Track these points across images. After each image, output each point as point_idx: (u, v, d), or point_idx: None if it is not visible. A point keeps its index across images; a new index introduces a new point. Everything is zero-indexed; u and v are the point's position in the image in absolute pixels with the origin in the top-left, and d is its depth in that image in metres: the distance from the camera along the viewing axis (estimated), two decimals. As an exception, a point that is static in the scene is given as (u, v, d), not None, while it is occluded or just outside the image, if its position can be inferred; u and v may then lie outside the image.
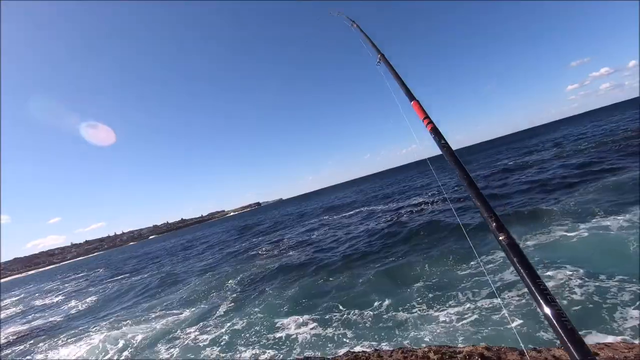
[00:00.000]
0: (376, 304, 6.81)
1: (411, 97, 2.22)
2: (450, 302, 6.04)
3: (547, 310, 0.94)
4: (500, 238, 1.12)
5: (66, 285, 30.56)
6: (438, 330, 5.28)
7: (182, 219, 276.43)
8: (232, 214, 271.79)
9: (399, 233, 12.14)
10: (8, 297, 34.70)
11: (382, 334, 5.67)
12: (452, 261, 7.89)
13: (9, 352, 10.57)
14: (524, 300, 5.35)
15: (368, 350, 3.52)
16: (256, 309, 8.20)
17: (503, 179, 17.95)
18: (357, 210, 24.29)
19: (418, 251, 9.50)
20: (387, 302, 6.71)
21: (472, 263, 7.50)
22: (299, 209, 48.21)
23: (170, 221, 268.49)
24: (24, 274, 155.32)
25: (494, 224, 1.17)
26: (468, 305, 5.75)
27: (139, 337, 8.13)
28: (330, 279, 9.28)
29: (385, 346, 5.24)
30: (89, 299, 17.67)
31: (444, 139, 1.71)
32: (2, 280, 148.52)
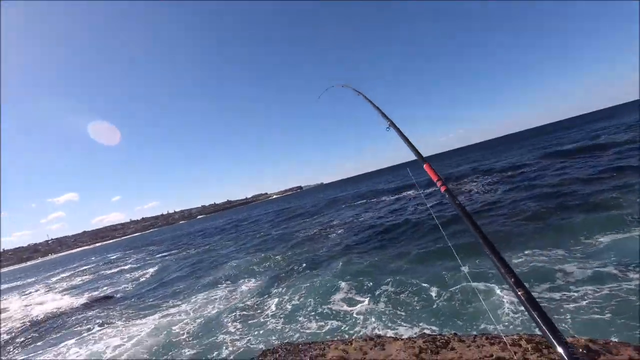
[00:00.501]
0: (424, 285, 6.77)
1: (423, 160, 2.36)
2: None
3: None
4: (519, 293, 1.18)
5: (130, 257, 33.26)
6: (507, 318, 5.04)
7: (228, 200, 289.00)
8: (274, 196, 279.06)
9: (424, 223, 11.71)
10: (85, 264, 38.82)
11: (441, 319, 5.56)
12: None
13: (98, 311, 11.81)
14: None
15: (447, 334, 3.41)
16: (310, 285, 8.41)
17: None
18: (396, 195, 23.74)
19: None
20: (435, 288, 6.61)
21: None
22: (340, 193, 48.27)
23: (217, 202, 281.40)
24: (91, 246, 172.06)
25: (512, 280, 1.23)
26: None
27: (207, 309, 8.63)
28: (376, 259, 9.31)
29: (446, 332, 5.15)
30: (151, 270, 19.11)
31: (458, 200, 1.77)
32: (75, 250, 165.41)
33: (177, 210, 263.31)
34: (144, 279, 16.69)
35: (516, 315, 5.04)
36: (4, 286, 37.20)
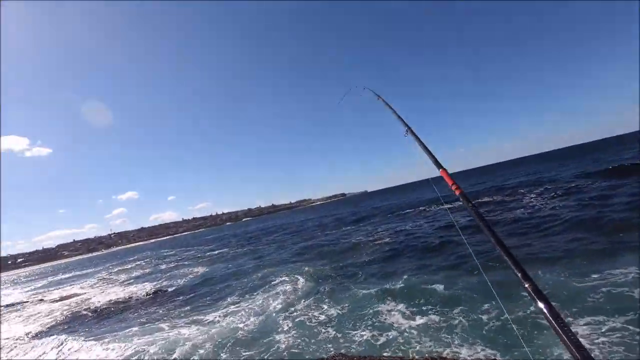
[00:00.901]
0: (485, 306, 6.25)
1: (439, 166, 2.34)
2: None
3: None
4: (540, 306, 1.14)
5: (182, 255, 35.08)
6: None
7: (272, 204, 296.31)
8: (318, 202, 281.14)
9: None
10: (142, 258, 41.79)
11: (502, 341, 5.10)
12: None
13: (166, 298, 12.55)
14: None
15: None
16: (360, 293, 8.25)
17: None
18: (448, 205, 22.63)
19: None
20: (490, 306, 6.10)
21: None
22: (383, 202, 47.32)
23: (262, 205, 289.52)
24: (147, 242, 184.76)
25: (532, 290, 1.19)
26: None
27: (261, 310, 8.72)
28: (426, 273, 8.87)
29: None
30: (202, 268, 19.94)
31: (472, 202, 1.80)
32: (133, 245, 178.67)
33: (224, 212, 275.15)
34: (194, 275, 17.44)
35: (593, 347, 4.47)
36: (78, 272, 41.12)
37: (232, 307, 9.59)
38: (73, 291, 21.09)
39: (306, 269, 12.44)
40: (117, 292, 16.48)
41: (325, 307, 7.92)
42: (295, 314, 7.87)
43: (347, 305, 7.73)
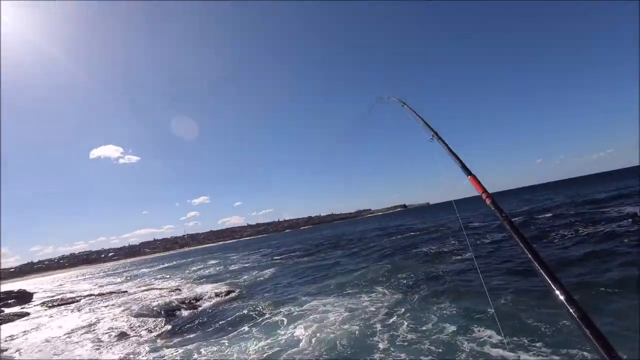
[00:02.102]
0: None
1: (468, 172, 2.24)
2: None
3: None
4: (571, 311, 1.10)
5: (249, 257, 37.08)
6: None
7: (331, 213, 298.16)
8: (378, 213, 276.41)
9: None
10: (212, 259, 45.07)
11: None
12: None
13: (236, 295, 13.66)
14: None
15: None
16: (441, 310, 7.87)
17: None
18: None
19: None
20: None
21: None
22: (448, 215, 45.02)
23: (322, 214, 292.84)
24: (215, 244, 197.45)
25: (563, 296, 1.15)
26: None
27: (335, 316, 8.93)
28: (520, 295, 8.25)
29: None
30: (269, 270, 20.98)
31: (504, 212, 1.69)
32: (203, 246, 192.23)
33: (286, 218, 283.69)
34: (263, 277, 18.45)
35: None
36: (161, 266, 45.81)
37: (302, 308, 10.04)
38: (174, 284, 23.48)
39: (374, 277, 12.49)
40: (204, 288, 18.05)
41: (401, 320, 7.67)
42: (371, 323, 7.81)
43: (429, 319, 7.42)
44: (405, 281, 11.19)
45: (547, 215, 21.83)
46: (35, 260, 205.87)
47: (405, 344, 6.40)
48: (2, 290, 27.35)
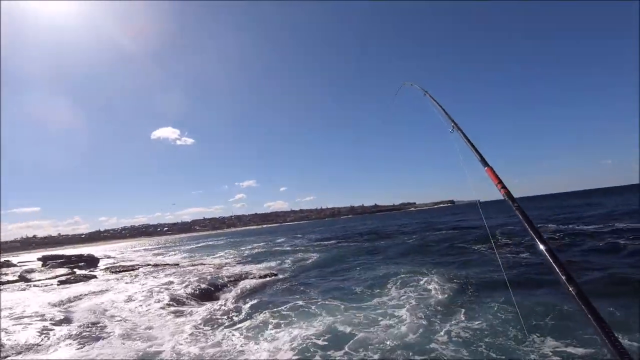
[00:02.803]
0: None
1: (485, 163, 2.28)
2: None
3: None
4: (585, 310, 1.11)
5: (292, 241, 37.70)
6: None
7: (375, 204, 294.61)
8: (424, 207, 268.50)
9: None
10: (260, 239, 46.57)
11: None
12: None
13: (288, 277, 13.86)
14: None
15: None
16: (493, 311, 7.30)
17: None
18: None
19: None
20: None
21: None
22: (500, 217, 42.08)
23: (365, 204, 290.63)
24: (260, 226, 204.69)
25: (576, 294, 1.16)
26: None
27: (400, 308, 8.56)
28: None
29: None
30: (315, 255, 21.01)
31: (517, 203, 1.76)
32: (248, 228, 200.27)
33: (329, 206, 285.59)
34: (309, 262, 18.47)
35: None
36: (209, 243, 48.39)
37: (359, 301, 9.79)
38: (223, 261, 24.56)
39: (425, 271, 11.90)
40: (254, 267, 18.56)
41: (457, 317, 7.19)
42: (427, 317, 7.39)
43: (489, 321, 6.79)
44: (452, 274, 10.50)
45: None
46: (102, 230, 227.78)
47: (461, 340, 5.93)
48: (75, 253, 30.43)
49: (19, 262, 29.18)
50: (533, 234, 1.51)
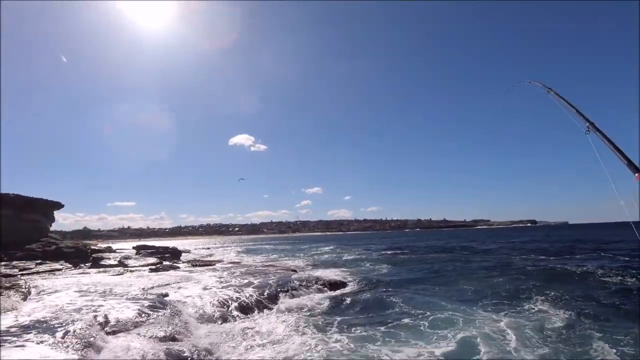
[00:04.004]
0: None
1: (635, 169, 1.95)
2: None
3: None
4: None
5: (357, 249, 37.14)
6: None
7: (444, 219, 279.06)
8: (499, 226, 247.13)
9: None
10: (326, 246, 47.06)
11: None
12: None
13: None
14: None
15: None
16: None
17: None
18: None
19: None
20: None
21: None
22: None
23: (433, 219, 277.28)
24: (322, 233, 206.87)
25: None
26: None
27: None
28: None
29: None
30: (386, 265, 20.34)
31: None
32: (311, 234, 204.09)
33: (393, 218, 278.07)
34: (382, 272, 17.89)
35: None
36: (277, 246, 50.15)
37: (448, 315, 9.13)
38: (292, 264, 25.17)
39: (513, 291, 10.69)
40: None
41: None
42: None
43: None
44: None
45: None
46: (182, 226, 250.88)
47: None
48: (162, 245, 33.73)
49: (117, 249, 33.20)
50: None
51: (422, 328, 7.68)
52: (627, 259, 18.52)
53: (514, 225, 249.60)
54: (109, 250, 30.53)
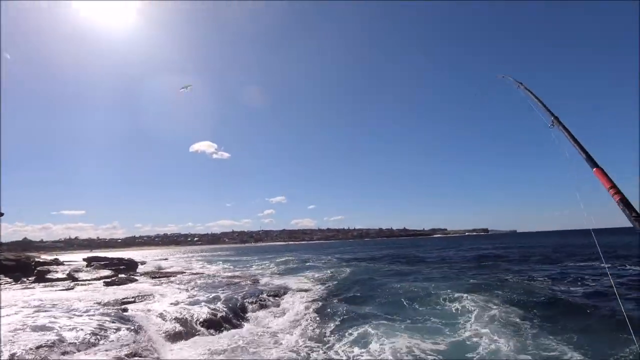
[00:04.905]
0: None
1: (593, 163, 1.97)
2: None
3: None
4: None
5: (320, 258, 37.19)
6: None
7: (404, 227, 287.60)
8: (455, 235, 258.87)
9: None
10: (290, 255, 46.52)
11: None
12: None
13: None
14: None
15: None
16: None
17: None
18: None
19: None
20: None
21: None
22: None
23: (394, 227, 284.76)
24: (285, 243, 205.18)
25: None
26: None
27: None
28: None
29: None
30: (348, 269, 20.49)
31: (636, 212, 1.50)
32: (274, 243, 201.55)
33: (357, 227, 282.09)
34: (342, 276, 17.98)
35: None
36: (239, 257, 48.76)
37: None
38: (254, 272, 24.57)
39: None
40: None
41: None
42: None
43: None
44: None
45: None
46: (137, 236, 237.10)
47: None
48: (115, 256, 31.61)
49: (65, 261, 30.64)
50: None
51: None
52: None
53: (467, 234, 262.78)
54: (56, 262, 28.10)
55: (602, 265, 17.24)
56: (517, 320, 8.31)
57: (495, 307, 9.17)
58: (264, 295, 12.79)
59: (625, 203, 1.59)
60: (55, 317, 8.22)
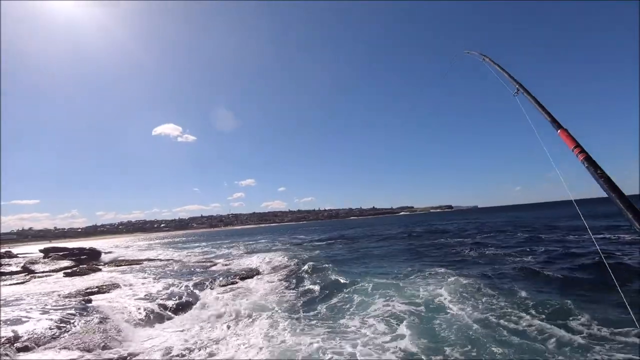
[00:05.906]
0: None
1: (558, 125, 2.06)
2: None
3: None
4: None
5: (295, 238, 37.42)
6: None
7: (373, 207, 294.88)
8: (420, 212, 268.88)
9: None
10: (263, 238, 46.35)
11: None
12: None
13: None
14: None
15: None
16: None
17: None
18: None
19: None
20: None
21: None
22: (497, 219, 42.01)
23: (363, 207, 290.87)
24: (256, 226, 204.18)
25: None
26: None
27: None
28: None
29: None
30: (319, 251, 20.84)
31: (601, 169, 1.52)
32: (245, 227, 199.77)
33: (327, 208, 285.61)
34: (317, 253, 18.26)
35: None
36: (207, 241, 47.94)
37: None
38: (220, 253, 24.32)
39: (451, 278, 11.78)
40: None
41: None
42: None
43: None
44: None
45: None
46: (99, 224, 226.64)
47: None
48: (75, 246, 30.10)
49: (19, 254, 28.83)
50: (622, 207, 1.34)
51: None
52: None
53: (432, 210, 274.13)
54: (9, 255, 26.38)
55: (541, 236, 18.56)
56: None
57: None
58: (231, 278, 12.78)
59: (589, 161, 1.60)
60: (11, 312, 7.81)
